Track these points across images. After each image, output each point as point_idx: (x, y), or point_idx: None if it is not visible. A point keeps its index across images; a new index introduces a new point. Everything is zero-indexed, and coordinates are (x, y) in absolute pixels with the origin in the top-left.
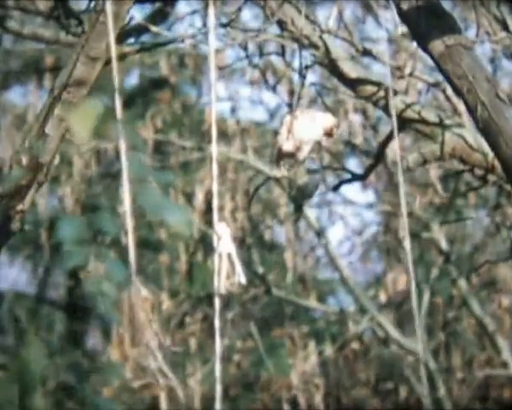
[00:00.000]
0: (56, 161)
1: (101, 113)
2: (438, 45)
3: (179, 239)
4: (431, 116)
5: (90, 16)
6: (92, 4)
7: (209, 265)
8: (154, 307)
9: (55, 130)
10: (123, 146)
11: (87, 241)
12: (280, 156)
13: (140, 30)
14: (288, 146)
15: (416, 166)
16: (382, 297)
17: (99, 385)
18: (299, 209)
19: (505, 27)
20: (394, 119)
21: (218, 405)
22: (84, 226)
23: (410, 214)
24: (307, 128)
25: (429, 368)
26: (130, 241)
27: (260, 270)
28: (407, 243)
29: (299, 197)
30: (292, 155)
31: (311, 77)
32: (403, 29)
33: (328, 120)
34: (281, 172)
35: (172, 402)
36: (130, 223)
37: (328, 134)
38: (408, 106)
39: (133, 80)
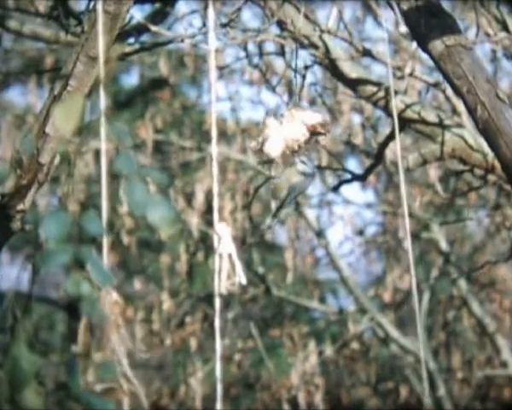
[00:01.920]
0: (56, 160)
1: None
2: (438, 45)
3: (178, 239)
4: (431, 116)
5: (90, 16)
6: (92, 4)
7: (209, 265)
8: (123, 311)
9: (55, 130)
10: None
11: (71, 239)
12: (268, 161)
13: (140, 30)
14: (274, 151)
15: (416, 166)
16: (386, 297)
17: (92, 384)
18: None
19: (505, 27)
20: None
21: (218, 405)
22: (70, 224)
23: (410, 214)
24: (291, 129)
25: (429, 368)
26: (105, 242)
27: (260, 270)
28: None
29: (289, 197)
30: (282, 158)
31: (311, 77)
32: (402, 29)
33: (312, 118)
34: (273, 174)
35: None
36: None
37: (317, 132)
38: (408, 106)
39: (133, 80)
